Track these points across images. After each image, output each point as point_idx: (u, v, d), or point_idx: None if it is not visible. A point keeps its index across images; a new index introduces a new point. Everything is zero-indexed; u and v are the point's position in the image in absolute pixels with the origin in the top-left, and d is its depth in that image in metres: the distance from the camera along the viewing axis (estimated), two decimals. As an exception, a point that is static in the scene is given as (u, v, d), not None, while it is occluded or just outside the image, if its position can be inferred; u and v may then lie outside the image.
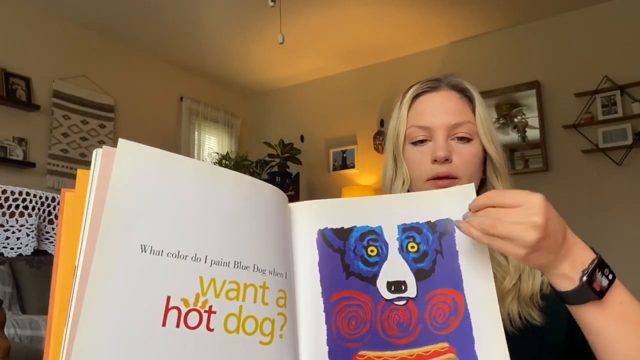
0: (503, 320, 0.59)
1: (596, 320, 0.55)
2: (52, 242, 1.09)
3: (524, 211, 0.52)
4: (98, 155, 0.47)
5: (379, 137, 4.59)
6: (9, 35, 3.54)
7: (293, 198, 4.66)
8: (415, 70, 4.41)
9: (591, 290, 0.53)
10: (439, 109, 0.80)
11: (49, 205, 1.07)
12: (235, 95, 5.39)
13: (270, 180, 4.65)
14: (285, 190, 4.58)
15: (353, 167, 4.74)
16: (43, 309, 2.86)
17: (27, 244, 1.00)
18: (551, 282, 0.57)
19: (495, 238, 0.52)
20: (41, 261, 3.12)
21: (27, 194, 1.02)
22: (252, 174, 4.65)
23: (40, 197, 1.05)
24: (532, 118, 3.91)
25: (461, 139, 0.78)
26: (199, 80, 4.98)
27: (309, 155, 4.89)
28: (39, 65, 3.67)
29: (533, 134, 3.89)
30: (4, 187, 1.01)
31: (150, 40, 4.26)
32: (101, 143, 4.02)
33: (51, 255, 1.10)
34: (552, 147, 3.81)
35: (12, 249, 1.00)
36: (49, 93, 3.70)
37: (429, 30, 4.15)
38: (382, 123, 4.61)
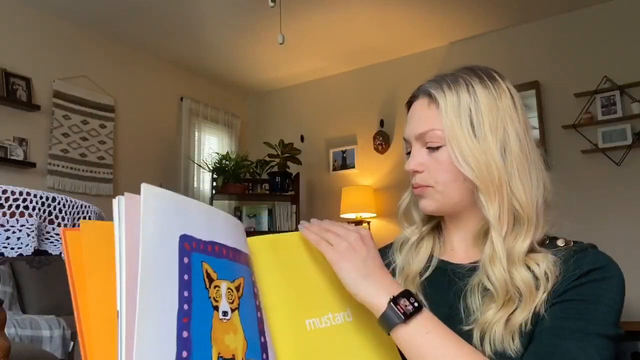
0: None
1: (405, 340, 0.63)
2: (52, 242, 1.09)
3: (348, 229, 0.69)
4: (121, 202, 0.50)
5: (379, 137, 4.59)
6: (9, 36, 3.54)
7: (293, 198, 4.67)
8: (415, 70, 4.40)
9: (397, 311, 0.62)
10: (412, 119, 0.80)
11: (49, 206, 1.07)
12: (235, 96, 5.39)
13: (270, 180, 4.66)
14: (285, 191, 4.62)
15: (353, 167, 4.75)
16: (43, 309, 2.86)
17: (28, 244, 1.00)
18: (370, 309, 0.65)
19: (323, 242, 0.67)
20: (41, 261, 3.12)
21: (28, 194, 1.02)
22: (252, 174, 4.66)
23: (41, 197, 1.05)
24: (532, 118, 3.91)
25: (430, 147, 0.77)
26: (199, 80, 4.99)
27: (309, 156, 4.88)
28: (39, 66, 3.67)
29: (533, 134, 3.89)
30: (4, 187, 1.01)
31: (150, 40, 4.26)
32: (101, 143, 4.02)
33: (52, 255, 1.10)
34: (551, 147, 3.80)
35: (12, 249, 1.00)
36: (49, 93, 3.71)
37: (429, 30, 4.15)
38: (382, 123, 4.61)
